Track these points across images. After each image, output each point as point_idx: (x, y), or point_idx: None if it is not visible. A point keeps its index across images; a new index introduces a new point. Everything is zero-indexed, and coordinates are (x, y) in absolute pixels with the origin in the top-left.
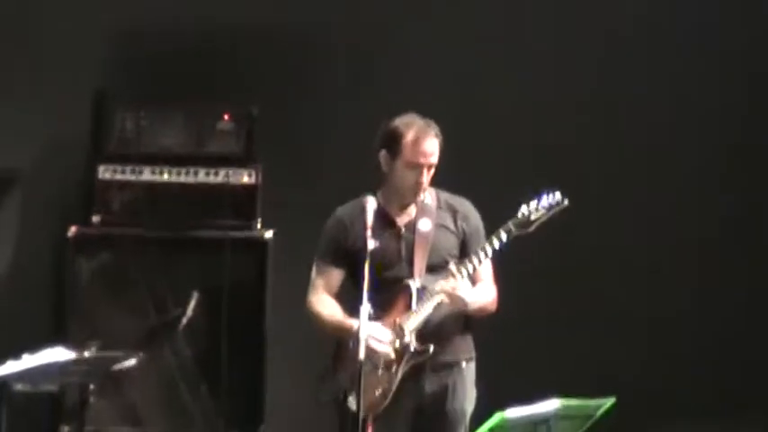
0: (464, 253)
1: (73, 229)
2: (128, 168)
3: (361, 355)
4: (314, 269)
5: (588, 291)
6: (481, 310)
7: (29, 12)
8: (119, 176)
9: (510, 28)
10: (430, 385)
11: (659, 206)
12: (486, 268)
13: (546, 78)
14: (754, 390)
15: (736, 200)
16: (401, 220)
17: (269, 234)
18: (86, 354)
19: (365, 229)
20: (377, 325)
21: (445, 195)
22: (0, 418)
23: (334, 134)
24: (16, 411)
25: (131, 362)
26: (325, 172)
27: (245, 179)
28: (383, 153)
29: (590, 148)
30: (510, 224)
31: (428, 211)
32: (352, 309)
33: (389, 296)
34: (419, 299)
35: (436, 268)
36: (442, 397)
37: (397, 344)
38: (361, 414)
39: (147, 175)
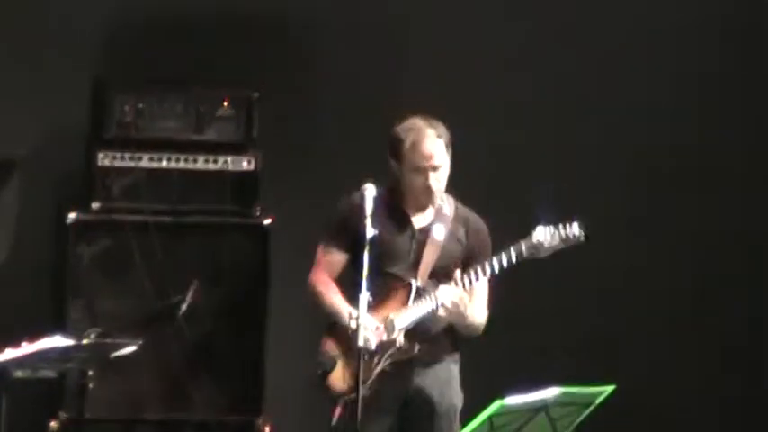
0: (466, 266)
1: (72, 216)
2: (127, 155)
3: (361, 342)
4: (319, 248)
5: (587, 286)
6: (468, 327)
7: None
8: (118, 163)
9: (510, 28)
10: (418, 378)
11: (659, 206)
12: (482, 288)
13: (546, 78)
14: (756, 380)
15: (736, 200)
16: (417, 222)
17: (268, 220)
18: (85, 341)
19: (376, 216)
20: (367, 315)
21: (464, 209)
22: None
23: (334, 120)
24: (16, 398)
25: (131, 348)
26: (324, 158)
27: (245, 165)
28: (391, 161)
29: (590, 148)
30: (522, 245)
31: (444, 219)
32: (350, 297)
33: (388, 291)
34: (417, 299)
35: (439, 274)
36: (430, 391)
37: (384, 337)
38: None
39: (147, 161)
